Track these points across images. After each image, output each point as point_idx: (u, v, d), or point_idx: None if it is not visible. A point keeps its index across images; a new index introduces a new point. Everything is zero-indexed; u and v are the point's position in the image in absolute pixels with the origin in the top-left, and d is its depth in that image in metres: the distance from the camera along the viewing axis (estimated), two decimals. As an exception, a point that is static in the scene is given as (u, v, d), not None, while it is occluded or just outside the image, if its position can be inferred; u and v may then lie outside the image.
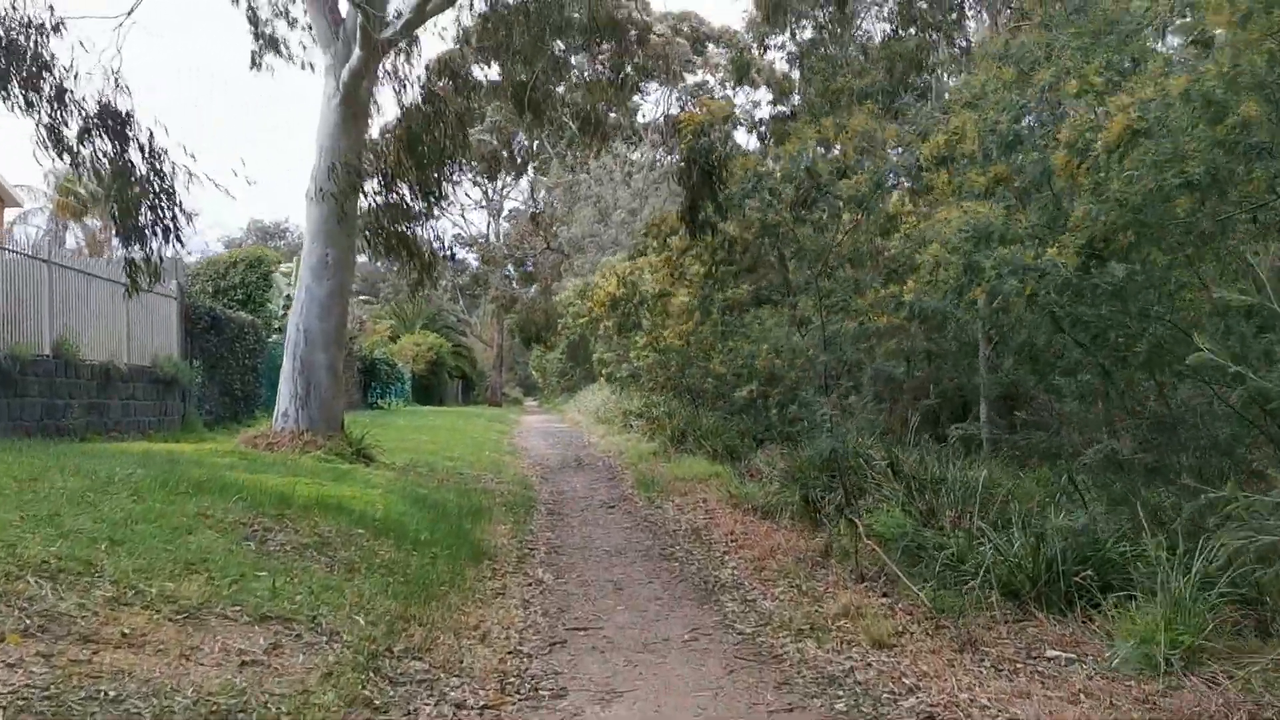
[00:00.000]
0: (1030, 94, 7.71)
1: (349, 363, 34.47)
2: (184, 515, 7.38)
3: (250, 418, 21.06)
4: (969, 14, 15.74)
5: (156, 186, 11.21)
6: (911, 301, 8.11)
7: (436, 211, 14.69)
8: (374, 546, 8.27)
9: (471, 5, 16.20)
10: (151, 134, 11.29)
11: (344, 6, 14.88)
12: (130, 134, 11.08)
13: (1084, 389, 8.13)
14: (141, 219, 11.25)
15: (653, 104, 51.26)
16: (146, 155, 11.09)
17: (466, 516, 11.16)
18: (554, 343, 45.96)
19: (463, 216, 62.94)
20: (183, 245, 11.82)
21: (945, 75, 14.74)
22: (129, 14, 12.55)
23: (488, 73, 24.97)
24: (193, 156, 12.28)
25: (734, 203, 11.99)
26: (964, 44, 16.72)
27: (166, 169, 11.33)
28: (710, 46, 45.24)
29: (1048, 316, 7.22)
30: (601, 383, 32.80)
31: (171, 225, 11.42)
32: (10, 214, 40.28)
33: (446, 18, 16.75)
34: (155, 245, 11.57)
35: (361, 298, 42.91)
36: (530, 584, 8.57)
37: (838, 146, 11.86)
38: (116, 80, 11.14)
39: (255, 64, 18.72)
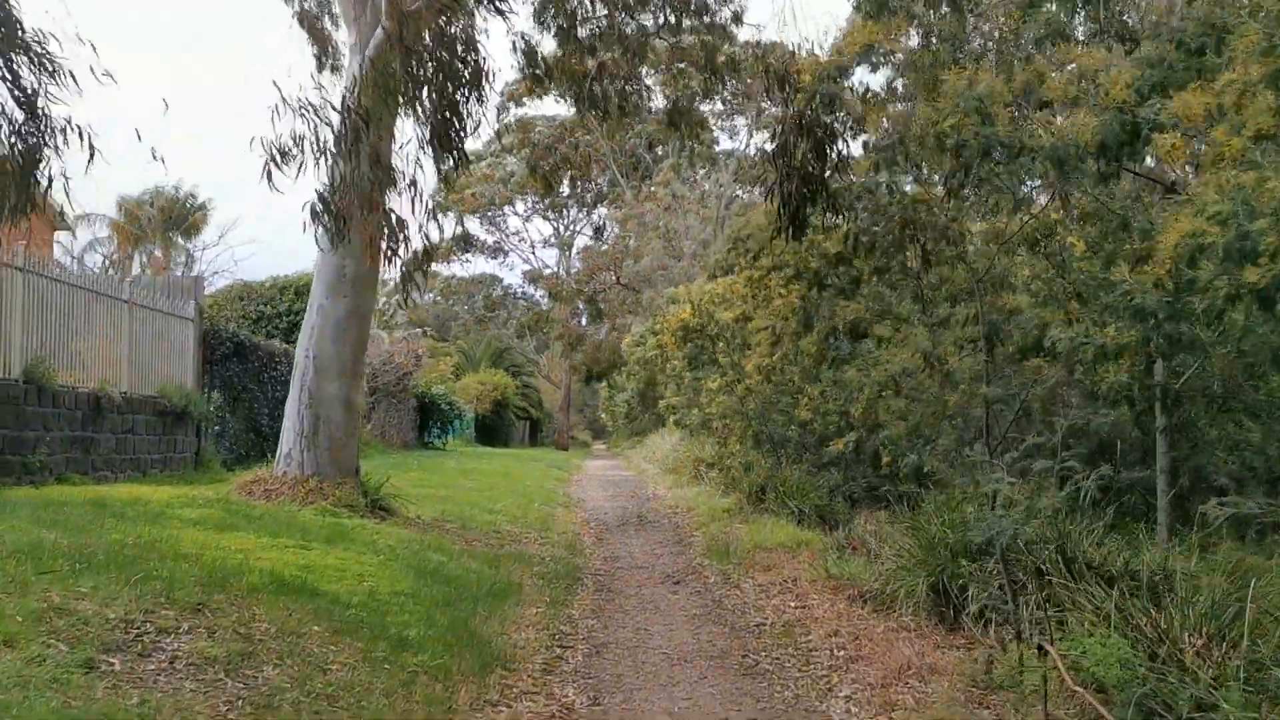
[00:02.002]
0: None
1: (402, 399, 32.38)
2: (21, 611, 4.88)
3: (279, 457, 18.81)
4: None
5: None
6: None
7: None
8: (326, 655, 5.69)
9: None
10: None
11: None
12: None
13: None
14: None
15: (730, 142, 49.06)
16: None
17: (485, 598, 8.54)
18: (620, 383, 43.41)
19: (533, 252, 61.27)
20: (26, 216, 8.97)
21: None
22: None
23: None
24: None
25: (877, 160, 8.88)
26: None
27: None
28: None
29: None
30: (670, 427, 30.11)
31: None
32: (81, 238, 39.27)
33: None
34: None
35: (418, 330, 40.91)
36: (552, 715, 5.91)
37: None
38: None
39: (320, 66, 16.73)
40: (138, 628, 5.23)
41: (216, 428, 17.91)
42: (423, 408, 35.25)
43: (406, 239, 11.01)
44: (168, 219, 37.00)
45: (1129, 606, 5.64)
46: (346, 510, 11.49)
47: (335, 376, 12.33)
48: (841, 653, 7.32)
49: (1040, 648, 5.26)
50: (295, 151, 9.77)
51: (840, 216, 9.98)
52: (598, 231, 51.69)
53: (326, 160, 9.93)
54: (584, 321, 55.46)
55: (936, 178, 8.24)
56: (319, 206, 10.06)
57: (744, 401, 18.18)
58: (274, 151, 9.69)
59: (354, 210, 10.19)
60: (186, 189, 38.22)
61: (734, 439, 19.47)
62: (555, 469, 29.48)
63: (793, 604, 9.29)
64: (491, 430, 47.64)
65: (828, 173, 9.88)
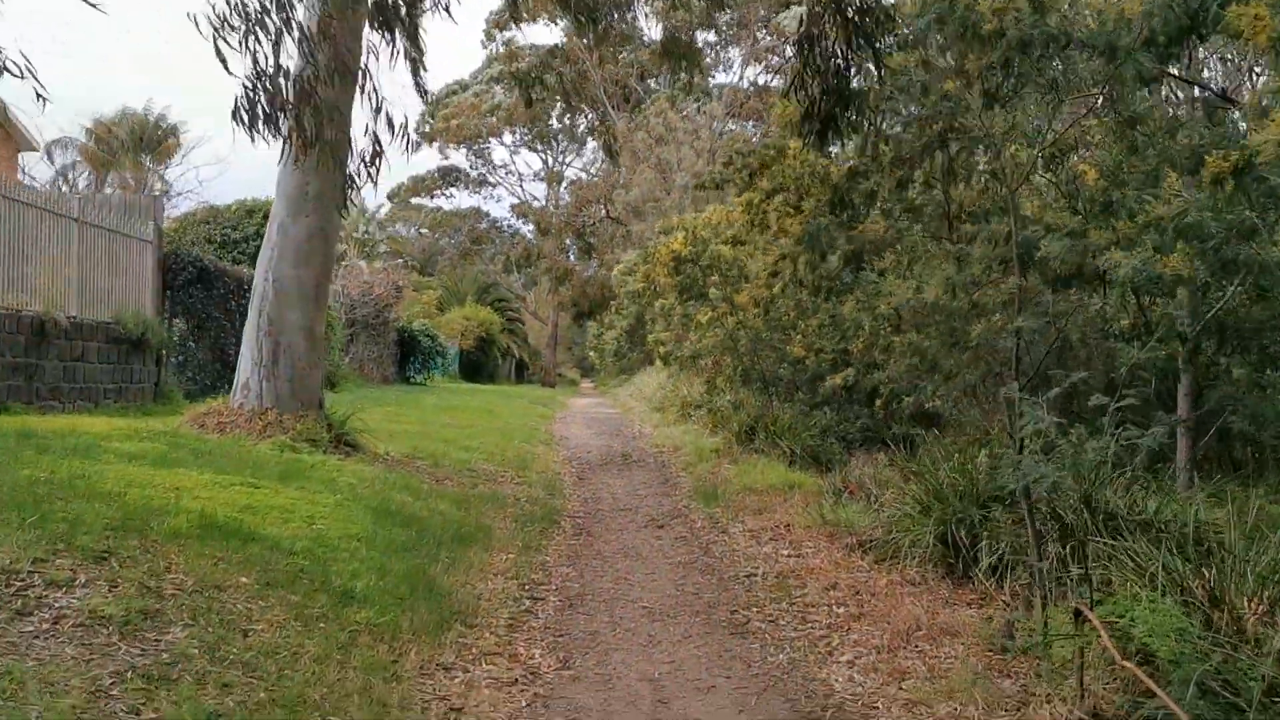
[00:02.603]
0: None
1: (382, 332, 31.51)
2: None
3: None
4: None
5: None
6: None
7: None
8: (251, 613, 4.92)
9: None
10: None
11: None
12: None
13: None
14: None
15: (723, 75, 47.68)
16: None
17: (449, 543, 7.79)
18: (610, 320, 42.54)
19: (520, 186, 60.03)
20: None
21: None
22: None
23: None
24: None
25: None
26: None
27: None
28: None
29: None
30: (658, 365, 29.32)
31: None
32: (50, 166, 37.86)
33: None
34: None
35: (398, 261, 39.89)
36: (515, 680, 5.17)
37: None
38: None
39: None
40: (22, 580, 4.45)
41: (179, 357, 17.06)
42: (404, 342, 34.34)
43: (345, 138, 9.97)
44: (138, 141, 35.64)
45: (1177, 565, 4.89)
46: (308, 445, 10.71)
47: (297, 302, 11.45)
48: (841, 609, 6.59)
49: (1077, 612, 4.52)
50: (237, 24, 8.57)
51: (869, 120, 8.83)
52: (608, 151, 49.85)
53: (257, 35, 8.75)
54: (573, 256, 54.48)
55: (965, 81, 7.30)
56: (247, 89, 8.85)
57: (734, 336, 17.39)
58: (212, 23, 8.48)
59: (287, 99, 9.08)
60: (157, 110, 36.83)
61: (723, 376, 18.72)
62: (539, 406, 28.74)
63: (785, 552, 8.58)
64: (477, 366, 46.77)
65: (863, 65, 8.61)
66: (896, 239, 10.55)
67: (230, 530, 6.11)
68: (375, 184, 10.05)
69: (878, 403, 12.36)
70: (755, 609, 6.75)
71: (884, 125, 8.51)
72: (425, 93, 11.84)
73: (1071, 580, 5.72)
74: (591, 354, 59.39)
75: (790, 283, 13.62)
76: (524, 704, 4.83)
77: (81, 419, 11.12)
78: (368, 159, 9.96)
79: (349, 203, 10.91)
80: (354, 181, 10.29)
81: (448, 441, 14.88)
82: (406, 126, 10.38)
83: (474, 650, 5.52)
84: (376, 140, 9.88)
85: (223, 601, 4.92)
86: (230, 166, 72.53)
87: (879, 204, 10.69)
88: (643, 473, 14.31)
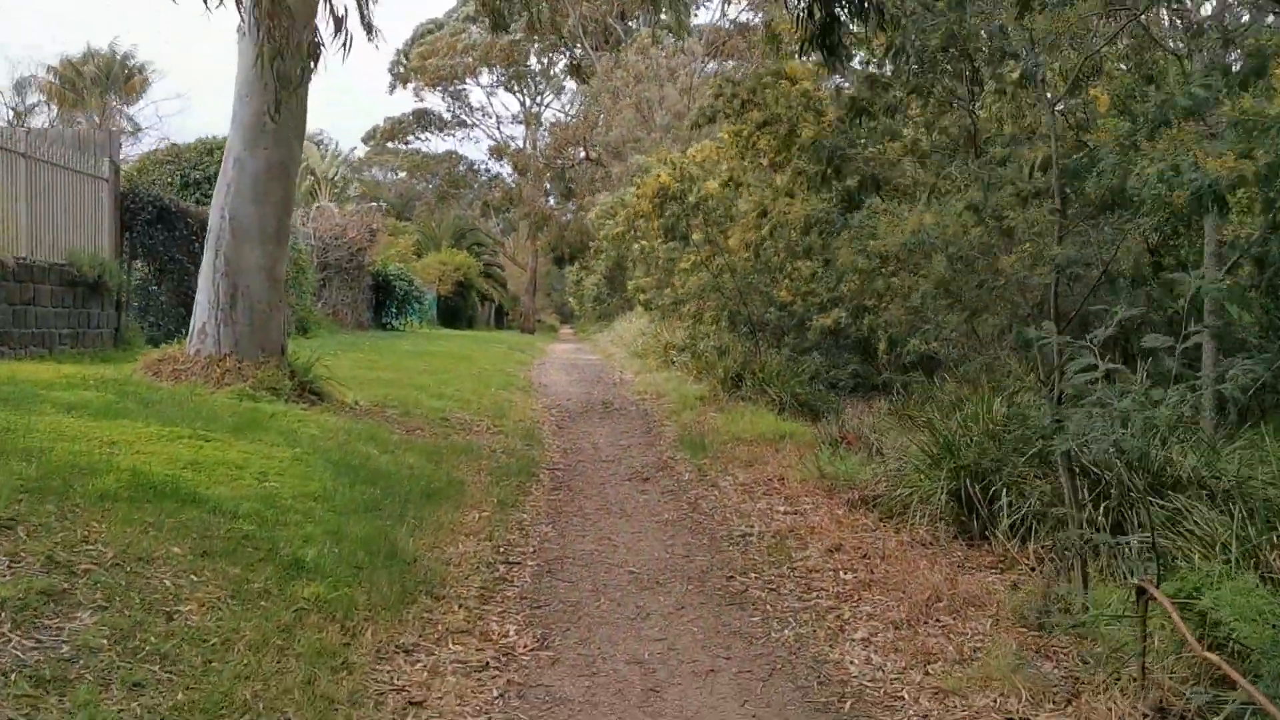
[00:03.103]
0: None
1: (357, 277, 30.59)
2: None
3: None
4: None
5: None
6: None
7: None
8: (180, 591, 4.25)
9: None
10: None
11: None
12: None
13: None
14: None
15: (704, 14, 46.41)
16: None
17: (417, 500, 7.12)
18: (591, 265, 41.65)
19: (499, 129, 58.71)
20: None
21: None
22: None
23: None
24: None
25: None
26: None
27: None
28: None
29: None
30: (639, 311, 28.55)
31: None
32: (13, 105, 36.55)
33: None
34: None
35: (372, 204, 38.80)
36: (485, 664, 4.53)
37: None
38: None
39: None
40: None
41: (140, 301, 16.22)
42: (379, 287, 33.41)
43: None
44: (104, 79, 34.30)
45: (1249, 533, 4.28)
46: (269, 394, 10.01)
47: (256, 241, 10.65)
48: (849, 576, 5.98)
49: (1140, 590, 3.90)
50: None
51: (882, 28, 7.94)
52: (576, 74, 48.11)
53: None
54: (552, 201, 53.45)
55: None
56: None
57: (720, 278, 16.68)
58: None
59: None
60: (124, 49, 35.47)
61: (708, 317, 18.02)
62: (517, 352, 28.00)
63: (781, 508, 7.96)
64: (455, 312, 45.90)
65: None
66: (919, 162, 9.72)
67: (167, 491, 5.42)
68: (308, 79, 9.28)
69: (880, 347, 11.69)
70: (753, 574, 6.14)
71: (905, 30, 7.65)
72: (371, 28, 11.03)
73: (1107, 545, 5.13)
74: (571, 300, 58.39)
75: (779, 224, 12.85)
76: (495, 694, 4.20)
77: (27, 365, 10.36)
78: (304, 52, 9.17)
79: (279, 111, 10.04)
80: (289, 81, 9.52)
81: (421, 389, 14.17)
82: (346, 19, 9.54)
83: (440, 628, 4.88)
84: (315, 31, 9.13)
85: (146, 578, 4.24)
86: (191, 102, 70.81)
87: (902, 115, 9.79)
88: (625, 421, 13.66)
